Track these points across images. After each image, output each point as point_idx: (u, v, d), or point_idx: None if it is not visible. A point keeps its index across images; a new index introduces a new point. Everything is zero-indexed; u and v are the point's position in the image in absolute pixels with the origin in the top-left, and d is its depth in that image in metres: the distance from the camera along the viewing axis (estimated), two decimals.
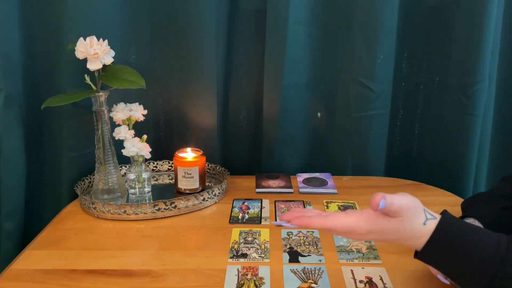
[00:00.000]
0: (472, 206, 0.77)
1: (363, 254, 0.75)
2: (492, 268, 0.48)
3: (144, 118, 0.97)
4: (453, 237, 0.51)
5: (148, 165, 1.09)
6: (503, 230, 0.69)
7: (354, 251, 0.76)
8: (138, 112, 0.95)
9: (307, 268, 0.71)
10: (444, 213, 0.54)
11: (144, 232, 0.85)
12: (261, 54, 1.05)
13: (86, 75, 0.89)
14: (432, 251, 0.52)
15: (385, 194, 0.51)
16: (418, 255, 0.53)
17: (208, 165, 1.10)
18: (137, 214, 0.89)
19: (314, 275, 0.69)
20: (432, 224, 0.52)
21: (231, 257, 0.75)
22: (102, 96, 0.91)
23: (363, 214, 0.53)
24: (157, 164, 1.13)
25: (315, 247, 0.78)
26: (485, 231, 0.53)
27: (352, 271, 0.71)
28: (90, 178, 1.02)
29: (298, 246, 0.78)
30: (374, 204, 0.50)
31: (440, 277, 0.63)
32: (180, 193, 1.00)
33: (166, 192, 1.03)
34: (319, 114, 1.13)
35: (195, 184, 0.99)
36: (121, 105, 0.95)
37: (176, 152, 1.01)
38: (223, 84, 1.08)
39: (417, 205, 0.53)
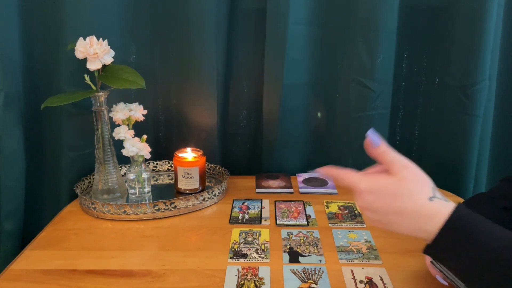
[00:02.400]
0: (472, 206, 0.77)
1: (363, 254, 0.75)
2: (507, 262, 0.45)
3: (144, 118, 0.97)
4: (472, 225, 0.47)
5: (148, 165, 1.09)
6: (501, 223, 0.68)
7: (354, 251, 0.76)
8: (138, 112, 0.95)
9: (307, 268, 0.71)
10: (459, 203, 0.50)
11: (144, 232, 0.85)
12: (261, 54, 1.05)
13: (86, 75, 0.89)
14: (449, 239, 0.47)
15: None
16: (433, 242, 0.48)
17: (208, 165, 1.10)
18: (137, 214, 0.89)
19: (314, 275, 0.69)
20: (442, 206, 0.48)
21: (231, 257, 0.75)
22: (102, 96, 0.91)
23: (367, 173, 0.53)
24: (157, 164, 1.13)
25: (315, 247, 0.78)
26: (500, 227, 0.49)
27: (352, 271, 0.71)
28: (90, 178, 1.02)
29: (298, 246, 0.78)
30: (367, 140, 0.50)
31: (439, 277, 0.63)
32: (180, 193, 1.00)
33: (166, 192, 1.03)
34: (319, 114, 1.13)
35: (195, 184, 0.99)
36: (121, 105, 0.95)
37: (176, 152, 1.01)
38: (223, 84, 1.08)
39: (423, 177, 0.50)
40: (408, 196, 0.49)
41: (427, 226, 0.48)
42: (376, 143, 0.49)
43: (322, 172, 0.55)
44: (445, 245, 0.48)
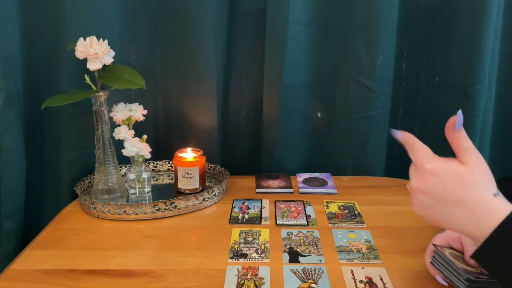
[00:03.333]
0: None
1: (363, 254, 0.75)
2: None
3: (144, 118, 0.97)
4: None
5: (148, 165, 1.09)
6: None
7: (354, 251, 0.76)
8: (138, 112, 0.95)
9: (307, 268, 0.71)
10: None
11: (144, 232, 0.85)
12: (261, 54, 1.05)
13: (86, 75, 0.89)
14: (503, 239, 0.45)
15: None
16: (488, 240, 0.45)
17: (208, 165, 1.10)
18: (137, 214, 0.89)
19: (314, 275, 0.69)
20: (504, 204, 0.46)
21: (231, 257, 0.75)
22: (102, 96, 0.91)
23: (440, 157, 0.51)
24: (157, 164, 1.13)
25: (315, 247, 0.78)
26: None
27: (352, 271, 0.71)
28: (90, 178, 1.02)
29: (298, 246, 0.78)
30: (452, 119, 0.49)
31: (439, 278, 0.63)
32: (180, 193, 1.00)
33: (166, 192, 1.03)
34: (319, 114, 1.13)
35: (195, 184, 0.99)
36: (121, 105, 0.95)
37: (176, 152, 1.01)
38: (223, 84, 1.08)
39: (490, 173, 0.49)
40: (476, 187, 0.47)
41: (484, 222, 0.46)
42: (459, 125, 0.48)
43: (401, 135, 0.53)
44: (497, 246, 0.46)
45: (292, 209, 0.93)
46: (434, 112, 1.11)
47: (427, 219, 0.51)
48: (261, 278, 0.69)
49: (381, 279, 0.68)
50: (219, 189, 0.98)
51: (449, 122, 0.49)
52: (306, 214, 0.91)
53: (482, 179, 0.48)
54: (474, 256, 0.48)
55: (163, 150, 1.13)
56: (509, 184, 0.76)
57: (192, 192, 0.98)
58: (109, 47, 0.88)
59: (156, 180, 1.10)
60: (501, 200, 0.47)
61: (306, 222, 0.87)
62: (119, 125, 0.95)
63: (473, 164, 0.49)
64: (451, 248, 0.65)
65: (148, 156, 0.94)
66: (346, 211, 0.92)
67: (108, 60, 0.88)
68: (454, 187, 0.48)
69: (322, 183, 1.07)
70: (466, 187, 0.48)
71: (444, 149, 1.13)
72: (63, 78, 0.97)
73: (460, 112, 0.48)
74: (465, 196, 0.47)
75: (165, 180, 1.10)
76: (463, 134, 0.49)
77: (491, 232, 0.46)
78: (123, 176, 1.02)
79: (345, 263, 0.73)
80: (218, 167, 1.10)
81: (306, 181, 1.08)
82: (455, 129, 0.49)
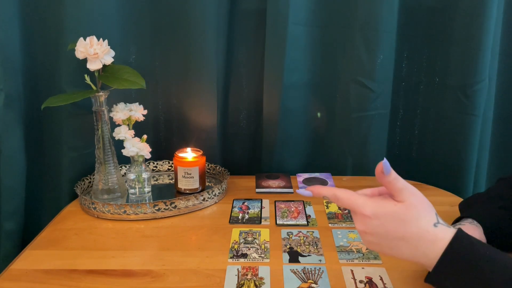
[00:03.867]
0: (470, 206, 0.78)
1: (363, 254, 0.75)
2: None
3: (144, 118, 0.97)
4: (473, 253, 0.48)
5: (148, 165, 1.09)
6: (500, 229, 0.69)
7: (354, 251, 0.76)
8: (138, 112, 0.95)
9: (307, 268, 0.71)
10: (459, 229, 0.50)
11: (144, 232, 0.85)
12: (261, 54, 1.05)
13: (86, 75, 0.89)
14: (450, 265, 0.48)
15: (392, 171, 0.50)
16: (435, 269, 0.49)
17: (208, 165, 1.10)
18: (137, 214, 0.89)
19: (314, 275, 0.69)
20: (445, 232, 0.49)
21: (231, 257, 0.75)
22: (102, 96, 0.91)
23: (373, 196, 0.53)
24: (157, 164, 1.13)
25: (315, 247, 0.78)
26: (502, 253, 0.49)
27: (352, 271, 0.71)
28: (90, 178, 1.02)
29: (298, 246, 0.78)
30: (379, 167, 0.50)
31: None
32: (180, 193, 1.00)
33: (166, 192, 1.03)
34: (319, 114, 1.13)
35: (195, 184, 0.99)
36: (121, 105, 0.95)
37: (176, 152, 1.01)
38: (223, 84, 1.08)
39: (428, 204, 0.51)
40: (415, 222, 0.50)
41: (429, 252, 0.49)
42: (387, 170, 0.50)
43: (319, 191, 0.54)
44: (446, 271, 0.49)
45: (292, 209, 0.93)
46: (434, 112, 1.11)
47: (383, 253, 0.53)
48: (261, 278, 0.69)
49: (381, 279, 0.68)
50: (219, 189, 0.98)
51: (377, 168, 0.51)
52: (306, 214, 0.91)
53: (419, 214, 0.50)
54: (426, 280, 0.51)
55: (163, 150, 1.13)
56: (508, 184, 0.76)
57: (192, 192, 0.98)
58: (109, 47, 0.88)
59: (156, 180, 1.10)
60: (442, 228, 0.50)
61: (306, 222, 0.87)
62: (119, 125, 0.95)
63: (408, 201, 0.50)
64: None
65: (148, 156, 0.94)
66: (346, 211, 0.92)
67: (108, 60, 0.88)
68: (395, 226, 0.50)
69: (322, 183, 1.07)
70: (405, 224, 0.50)
71: (444, 149, 1.13)
72: (63, 78, 0.97)
73: (385, 160, 0.50)
74: (407, 233, 0.50)
75: (165, 180, 1.10)
76: (393, 176, 0.51)
77: (437, 260, 0.48)
78: (123, 176, 1.02)
79: (345, 263, 0.73)
80: (218, 167, 1.10)
81: (306, 181, 1.08)
82: (385, 174, 0.50)
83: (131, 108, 0.95)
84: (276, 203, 0.96)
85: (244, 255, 0.75)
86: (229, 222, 0.88)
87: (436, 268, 0.49)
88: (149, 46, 1.06)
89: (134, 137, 0.95)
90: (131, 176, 0.95)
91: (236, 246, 0.78)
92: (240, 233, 0.83)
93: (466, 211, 0.75)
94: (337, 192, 0.52)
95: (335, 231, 0.84)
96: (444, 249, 0.48)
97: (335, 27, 1.05)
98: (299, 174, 1.13)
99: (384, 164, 0.50)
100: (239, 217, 0.90)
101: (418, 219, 0.50)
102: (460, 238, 0.49)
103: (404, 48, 1.09)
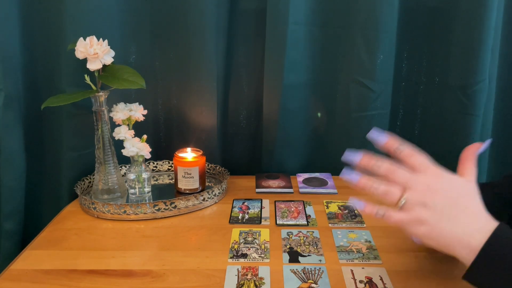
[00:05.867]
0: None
1: (363, 254, 0.75)
2: None
3: (144, 118, 0.97)
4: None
5: (148, 165, 1.09)
6: (495, 214, 0.68)
7: (354, 251, 0.76)
8: (138, 112, 0.95)
9: (307, 268, 0.71)
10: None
11: (144, 232, 0.85)
12: (261, 54, 1.05)
13: (86, 75, 0.89)
14: (500, 248, 0.47)
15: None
16: (484, 246, 0.47)
17: (208, 165, 1.10)
18: (137, 214, 0.89)
19: (314, 275, 0.69)
20: (491, 218, 0.49)
21: (231, 257, 0.75)
22: (102, 96, 0.91)
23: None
24: (157, 164, 1.13)
25: (315, 247, 0.78)
26: None
27: (352, 271, 0.71)
28: (90, 178, 1.02)
29: (298, 246, 0.78)
30: (477, 145, 0.53)
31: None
32: (180, 193, 1.00)
33: (166, 192, 1.03)
34: (319, 114, 1.13)
35: (195, 184, 0.99)
36: (121, 105, 0.95)
37: (176, 152, 1.01)
38: (223, 84, 1.08)
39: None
40: (478, 197, 0.50)
41: (478, 233, 0.48)
42: (483, 149, 0.51)
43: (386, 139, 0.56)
44: (494, 254, 0.47)
45: (292, 209, 0.93)
46: (434, 112, 1.10)
47: (425, 232, 0.51)
48: (261, 278, 0.69)
49: (381, 279, 0.68)
50: (219, 189, 0.98)
51: (475, 144, 0.52)
52: (306, 214, 0.91)
53: (478, 192, 0.51)
54: (467, 273, 0.49)
55: (163, 150, 1.13)
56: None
57: (192, 192, 0.98)
58: (109, 47, 0.88)
59: (156, 180, 1.10)
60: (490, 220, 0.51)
61: (306, 222, 0.87)
62: (119, 125, 0.95)
63: (470, 177, 0.52)
64: None
65: (148, 156, 0.94)
66: (346, 211, 0.92)
67: (108, 60, 0.88)
68: (462, 194, 0.50)
69: (322, 183, 1.07)
70: (470, 196, 0.51)
71: (444, 149, 1.13)
72: (63, 78, 0.97)
73: (488, 141, 0.52)
74: (471, 205, 0.50)
75: (165, 180, 1.10)
76: (475, 156, 0.52)
77: (485, 241, 0.48)
78: (123, 176, 1.02)
79: (345, 263, 0.73)
80: (218, 167, 1.10)
81: (306, 181, 1.08)
82: (474, 153, 0.52)
83: (131, 108, 0.95)
84: (276, 203, 0.96)
85: (244, 255, 0.75)
86: (229, 222, 0.88)
87: (485, 246, 0.47)
88: (149, 46, 1.06)
89: (134, 137, 0.95)
90: (131, 176, 0.95)
91: (236, 246, 0.78)
92: (240, 233, 0.83)
93: None
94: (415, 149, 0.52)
95: (335, 231, 0.84)
96: (494, 228, 0.48)
97: (335, 27, 1.05)
98: (299, 174, 1.13)
99: (485, 145, 0.51)
100: (239, 217, 0.90)
101: (478, 197, 0.50)
102: (505, 226, 0.49)
103: (404, 48, 1.09)
